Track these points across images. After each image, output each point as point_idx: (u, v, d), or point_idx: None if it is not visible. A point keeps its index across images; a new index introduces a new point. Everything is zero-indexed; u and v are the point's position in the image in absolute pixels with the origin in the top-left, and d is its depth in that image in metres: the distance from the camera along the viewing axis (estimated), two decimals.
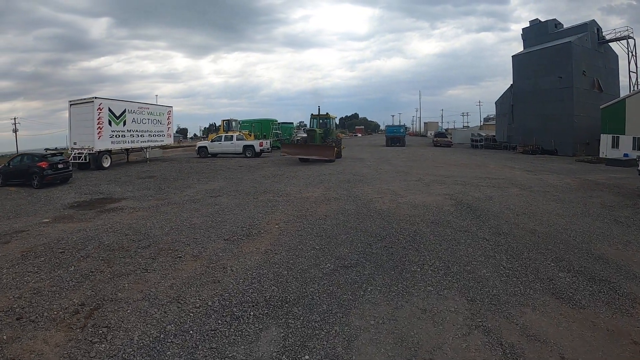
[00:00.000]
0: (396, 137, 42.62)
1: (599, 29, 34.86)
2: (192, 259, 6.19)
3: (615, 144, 26.94)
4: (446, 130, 78.12)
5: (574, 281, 5.27)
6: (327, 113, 25.46)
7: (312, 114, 25.36)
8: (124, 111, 22.44)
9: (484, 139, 41.65)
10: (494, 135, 43.23)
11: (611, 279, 5.30)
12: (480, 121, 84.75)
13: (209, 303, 4.70)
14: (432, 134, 62.65)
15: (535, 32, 37.78)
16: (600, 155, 27.06)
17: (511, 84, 39.11)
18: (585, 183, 14.32)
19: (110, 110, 21.30)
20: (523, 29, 40.31)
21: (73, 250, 6.71)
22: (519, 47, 43.02)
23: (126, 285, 5.16)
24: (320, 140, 22.89)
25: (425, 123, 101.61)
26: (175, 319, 4.33)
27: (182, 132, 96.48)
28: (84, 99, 20.69)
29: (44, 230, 8.34)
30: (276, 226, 8.11)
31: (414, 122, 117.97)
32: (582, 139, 30.60)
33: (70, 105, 21.04)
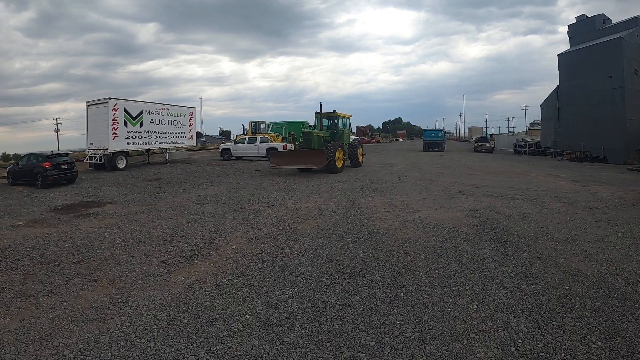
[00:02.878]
0: (434, 141, 41.89)
1: None
2: (106, 283, 5.47)
3: None
4: (490, 135, 78.69)
5: None
6: (334, 111, 20.63)
7: (316, 112, 20.72)
8: (141, 112, 22.53)
9: (527, 145, 40.25)
10: (538, 141, 41.38)
11: None
12: (526, 126, 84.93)
13: (66, 352, 3.70)
14: (474, 139, 61.38)
15: (582, 28, 35.49)
16: None
17: (557, 85, 37.12)
18: None
19: (126, 111, 21.45)
20: (569, 26, 37.73)
21: (10, 259, 6.65)
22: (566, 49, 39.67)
23: (15, 310, 4.65)
24: (320, 145, 18.87)
25: (469, 128, 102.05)
26: None
27: (225, 134, 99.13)
28: (100, 99, 21.00)
29: (8, 234, 8.53)
30: (234, 247, 6.91)
31: (458, 127, 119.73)
32: (635, 145, 28.23)
33: (88, 105, 21.52)
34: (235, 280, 5.30)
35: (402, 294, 4.71)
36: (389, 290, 4.82)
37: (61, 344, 3.85)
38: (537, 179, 16.61)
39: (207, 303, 4.61)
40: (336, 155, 18.20)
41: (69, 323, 4.29)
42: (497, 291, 4.78)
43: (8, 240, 7.94)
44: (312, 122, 30.43)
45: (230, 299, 4.70)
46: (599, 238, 7.19)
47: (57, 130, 57.79)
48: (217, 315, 4.28)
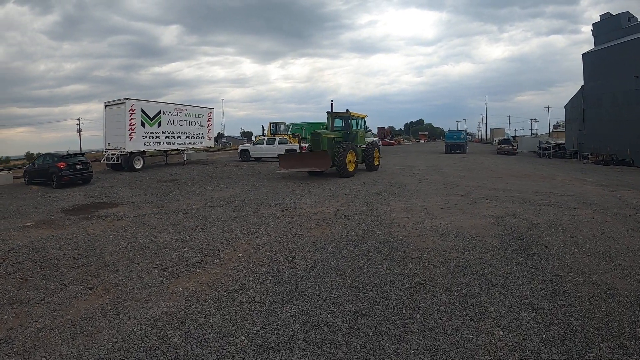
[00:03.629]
0: (456, 143, 41.18)
1: None
2: (101, 292, 5.26)
3: None
4: (513, 137, 77.66)
5: None
6: (347, 110, 19.35)
7: (327, 112, 19.64)
8: (159, 112, 22.64)
9: (551, 147, 39.08)
10: (562, 143, 40.52)
11: None
12: (549, 128, 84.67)
13: None
14: (496, 141, 60.50)
15: (607, 27, 33.87)
16: None
17: (582, 86, 35.97)
18: None
19: (143, 111, 21.58)
20: (593, 25, 36.19)
21: (12, 261, 6.60)
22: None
23: (4, 317, 4.53)
24: (330, 147, 17.71)
25: (491, 130, 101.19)
26: None
27: (247, 135, 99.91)
28: (117, 100, 21.18)
29: (15, 235, 8.55)
30: (240, 255, 6.58)
31: (480, 129, 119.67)
32: None
33: (105, 106, 21.76)
34: (235, 294, 4.94)
35: (418, 316, 4.22)
36: (404, 311, 4.35)
37: (43, 358, 3.69)
38: (563, 183, 16.03)
39: (202, 319, 4.27)
40: (347, 158, 17.36)
41: (55, 335, 4.10)
42: (525, 314, 4.25)
43: (14, 242, 7.93)
44: None
45: (227, 316, 4.34)
46: (633, 250, 6.56)
47: (79, 131, 59.49)
48: (211, 335, 3.93)
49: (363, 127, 20.74)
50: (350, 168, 17.62)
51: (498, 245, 6.80)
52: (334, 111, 19.32)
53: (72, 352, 3.75)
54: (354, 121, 19.61)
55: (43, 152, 17.58)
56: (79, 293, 5.20)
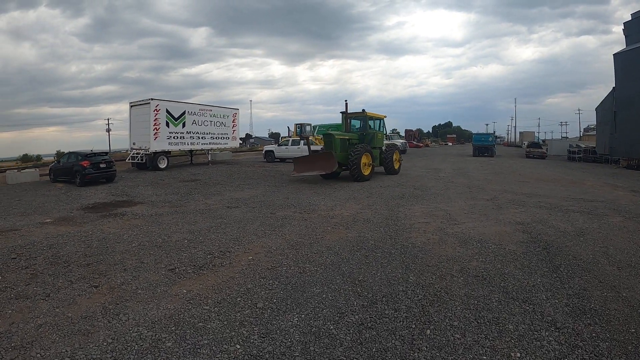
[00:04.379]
0: (484, 146, 41.20)
1: None
2: (105, 291, 5.28)
3: None
4: (543, 141, 77.52)
5: None
6: (363, 110, 18.39)
7: (341, 112, 18.68)
8: (183, 113, 23.02)
9: (582, 151, 38.54)
10: (593, 147, 39.13)
11: None
12: (580, 131, 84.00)
13: None
14: (525, 144, 60.00)
15: (638, 26, 32.39)
16: None
17: (613, 87, 34.40)
18: None
19: (168, 111, 21.98)
20: (624, 24, 34.52)
21: (25, 257, 6.76)
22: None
23: (9, 312, 4.61)
24: (344, 149, 16.93)
25: (520, 133, 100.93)
26: None
27: (275, 136, 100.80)
28: (142, 100, 21.65)
29: (34, 231, 8.77)
30: (250, 257, 6.46)
31: (509, 132, 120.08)
32: None
33: (131, 106, 22.29)
34: (238, 299, 4.81)
35: (428, 332, 3.96)
36: (414, 325, 4.09)
37: (38, 355, 3.70)
38: (594, 189, 15.47)
39: (200, 324, 4.16)
40: (362, 161, 16.54)
41: (53, 332, 4.12)
42: (547, 333, 3.91)
43: (30, 238, 8.13)
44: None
45: (226, 322, 4.21)
46: None
47: (108, 130, 61.41)
48: (205, 342, 3.81)
49: (382, 128, 19.84)
50: (366, 172, 16.78)
51: (522, 255, 6.43)
52: (348, 111, 18.46)
53: (66, 351, 3.74)
54: (371, 122, 18.82)
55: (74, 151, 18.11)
56: (83, 291, 5.23)
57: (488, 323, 4.10)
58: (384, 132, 20.41)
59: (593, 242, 7.25)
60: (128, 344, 3.80)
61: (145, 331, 4.05)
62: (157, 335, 3.95)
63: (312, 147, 22.88)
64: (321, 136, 26.22)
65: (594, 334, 3.87)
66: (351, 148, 16.86)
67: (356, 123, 19.01)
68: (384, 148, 19.51)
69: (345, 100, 18.05)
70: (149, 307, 4.66)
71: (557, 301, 4.64)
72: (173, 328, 4.09)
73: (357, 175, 16.36)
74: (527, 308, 4.45)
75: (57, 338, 3.99)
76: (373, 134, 18.50)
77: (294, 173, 17.31)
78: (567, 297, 4.77)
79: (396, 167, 19.75)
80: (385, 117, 19.93)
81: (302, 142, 25.70)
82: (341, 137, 17.26)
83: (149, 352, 3.65)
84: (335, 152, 16.30)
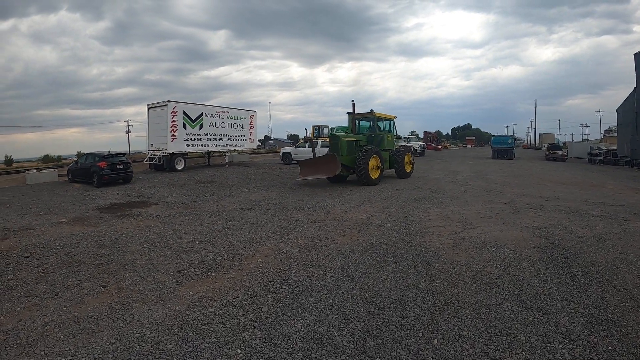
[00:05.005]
0: (503, 148, 40.82)
1: None
2: (113, 291, 5.40)
3: None
4: (563, 143, 77.55)
5: None
6: (371, 110, 17.68)
7: (348, 113, 18.02)
8: (201, 115, 23.32)
9: (602, 153, 37.86)
10: (614, 149, 38.65)
11: None
12: (601, 133, 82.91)
13: None
14: (545, 146, 59.16)
15: None
16: None
17: (634, 88, 33.99)
18: None
19: (185, 113, 22.31)
20: None
21: (38, 256, 6.92)
22: None
23: (17, 309, 4.74)
24: (351, 151, 16.37)
25: (540, 135, 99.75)
26: None
27: (293, 138, 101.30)
28: (160, 102, 22.00)
29: (48, 230, 9.01)
30: (259, 260, 6.45)
31: (529, 134, 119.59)
32: None
33: (149, 108, 22.69)
34: (244, 302, 4.80)
35: (436, 341, 3.85)
36: (421, 334, 3.99)
37: (42, 352, 3.77)
38: (614, 192, 15.14)
39: (203, 327, 4.16)
40: (370, 164, 15.93)
41: (58, 331, 4.20)
42: (561, 345, 3.75)
43: (45, 237, 8.35)
44: None
45: (229, 325, 4.20)
46: None
47: (128, 132, 62.69)
48: (207, 345, 3.80)
49: (392, 129, 19.07)
50: (374, 175, 16.21)
51: (538, 261, 6.25)
52: (356, 112, 17.75)
53: (69, 349, 3.80)
54: (380, 123, 18.17)
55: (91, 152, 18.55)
56: (92, 290, 5.33)
57: (499, 333, 3.97)
58: (395, 133, 19.56)
59: (613, 248, 7.01)
60: (130, 345, 3.83)
61: (149, 332, 4.07)
62: (159, 337, 3.96)
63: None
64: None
65: (610, 348, 3.70)
66: (359, 150, 16.30)
67: (365, 124, 18.37)
68: (394, 150, 18.88)
69: (352, 101, 17.52)
70: (155, 308, 4.69)
71: (572, 311, 4.47)
72: (176, 330, 4.10)
73: (365, 178, 15.81)
74: (541, 318, 4.30)
75: (62, 336, 4.06)
76: (382, 135, 17.85)
77: (300, 176, 16.89)
78: (583, 306, 4.59)
79: (408, 170, 19.08)
80: (395, 117, 19.25)
81: (319, 143, 25.67)
82: (348, 138, 16.65)
83: (150, 353, 3.66)
84: (341, 155, 15.82)
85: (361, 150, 16.11)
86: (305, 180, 17.49)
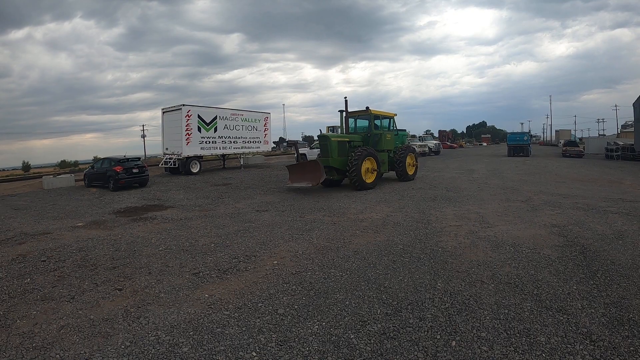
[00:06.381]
0: (519, 145, 40.78)
1: None
2: (129, 294, 5.49)
3: None
4: (579, 139, 77.93)
5: None
6: (367, 108, 16.20)
7: (339, 111, 16.58)
8: (215, 118, 23.64)
9: (620, 149, 36.99)
10: (632, 144, 37.30)
11: None
12: (617, 128, 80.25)
13: None
14: (562, 142, 58.97)
15: None
16: None
17: None
18: None
19: (199, 117, 22.63)
20: None
21: (54, 259, 7.09)
22: None
23: (34, 313, 4.85)
24: (342, 153, 15.08)
25: (556, 131, 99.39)
26: None
27: (308, 139, 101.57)
28: (174, 106, 22.36)
29: (65, 234, 9.23)
30: (275, 262, 6.49)
31: (545, 130, 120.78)
32: None
33: (163, 112, 23.10)
34: (260, 304, 4.83)
35: (454, 343, 3.82)
36: (439, 336, 3.96)
37: (57, 356, 3.83)
38: (633, 188, 14.95)
39: (218, 330, 4.20)
40: (364, 166, 14.70)
41: (74, 334, 4.28)
42: (581, 346, 3.67)
43: (62, 241, 8.55)
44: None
45: (244, 328, 4.23)
46: None
47: (143, 136, 63.86)
48: (222, 348, 3.83)
49: (392, 127, 17.70)
50: (369, 179, 14.97)
51: (557, 260, 6.14)
52: (349, 110, 16.45)
53: (84, 352, 3.88)
54: (378, 121, 16.87)
55: (107, 157, 18.98)
56: (107, 294, 5.43)
57: (518, 335, 3.91)
58: (395, 132, 17.91)
59: (633, 245, 6.87)
60: (145, 348, 3.89)
61: (164, 335, 4.13)
62: (174, 340, 4.02)
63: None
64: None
65: (632, 348, 3.61)
66: (352, 152, 14.96)
67: (363, 123, 17.09)
68: (394, 150, 17.49)
69: (345, 97, 16.18)
70: (170, 311, 4.75)
71: (593, 311, 4.38)
72: (191, 333, 4.16)
73: (358, 182, 14.54)
74: (561, 318, 4.22)
75: (78, 340, 4.15)
76: (380, 134, 16.48)
77: (288, 182, 15.62)
78: (604, 306, 4.50)
79: (410, 172, 17.64)
80: (395, 115, 17.87)
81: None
82: (339, 139, 15.29)
83: (165, 356, 3.72)
84: (331, 157, 14.79)
85: (354, 151, 14.85)
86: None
